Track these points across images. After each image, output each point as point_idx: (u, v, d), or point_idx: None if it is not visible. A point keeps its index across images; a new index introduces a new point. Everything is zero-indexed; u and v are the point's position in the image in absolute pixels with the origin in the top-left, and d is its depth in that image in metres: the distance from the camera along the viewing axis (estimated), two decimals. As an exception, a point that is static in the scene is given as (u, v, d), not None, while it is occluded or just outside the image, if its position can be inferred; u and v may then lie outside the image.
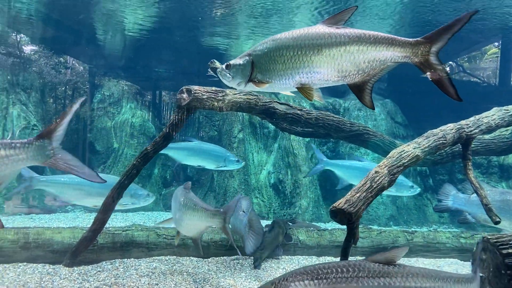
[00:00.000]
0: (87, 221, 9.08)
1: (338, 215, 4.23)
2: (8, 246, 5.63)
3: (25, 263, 5.56)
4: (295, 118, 6.68)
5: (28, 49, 14.32)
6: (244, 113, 11.29)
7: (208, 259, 6.26)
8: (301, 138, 10.74)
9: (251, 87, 3.40)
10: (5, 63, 12.02)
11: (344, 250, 4.25)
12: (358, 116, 11.20)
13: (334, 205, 4.26)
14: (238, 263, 6.15)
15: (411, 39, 3.14)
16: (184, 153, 8.14)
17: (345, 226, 4.17)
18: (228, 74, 3.43)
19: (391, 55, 3.16)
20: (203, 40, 11.67)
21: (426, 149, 5.10)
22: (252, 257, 6.21)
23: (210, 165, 8.30)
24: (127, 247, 6.18)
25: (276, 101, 6.62)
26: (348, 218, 4.20)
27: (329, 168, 8.48)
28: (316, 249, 6.75)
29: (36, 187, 6.75)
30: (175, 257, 6.21)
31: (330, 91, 11.68)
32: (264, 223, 7.02)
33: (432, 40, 3.11)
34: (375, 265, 2.63)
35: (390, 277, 2.60)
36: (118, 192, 5.75)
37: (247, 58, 3.35)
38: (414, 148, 5.00)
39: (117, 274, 5.34)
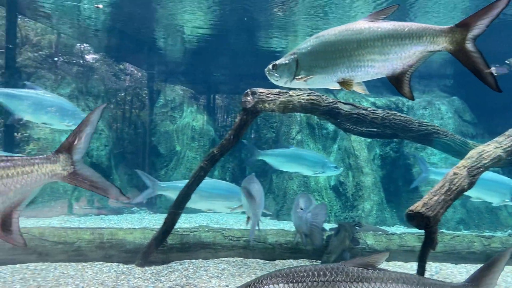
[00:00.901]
0: (153, 222, 9.41)
1: (415, 219, 4.05)
2: (85, 246, 5.91)
3: (101, 262, 5.81)
4: (360, 118, 6.50)
5: (90, 57, 15.13)
6: (302, 114, 11.20)
7: (275, 262, 6.24)
8: (362, 138, 10.48)
9: (296, 84, 3.49)
10: (70, 71, 12.74)
11: (422, 256, 4.07)
12: (423, 115, 10.75)
13: (411, 208, 4.09)
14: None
15: (445, 27, 3.02)
16: (281, 159, 8.01)
17: (416, 230, 3.96)
18: (275, 74, 3.51)
19: (426, 44, 3.08)
20: (259, 43, 11.72)
21: (509, 148, 4.77)
22: (320, 261, 6.11)
23: (307, 172, 8.12)
24: (195, 248, 6.30)
25: (340, 101, 6.49)
26: (426, 223, 4.01)
27: (436, 177, 7.84)
28: (385, 253, 6.52)
29: (158, 193, 6.87)
30: (241, 259, 6.24)
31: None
32: (326, 226, 6.91)
33: (468, 26, 2.91)
34: (354, 269, 2.51)
35: (369, 282, 2.48)
36: (186, 193, 5.89)
37: (291, 56, 3.43)
38: (495, 148, 4.70)
39: (187, 274, 5.45)
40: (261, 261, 6.24)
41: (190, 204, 6.70)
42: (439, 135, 6.78)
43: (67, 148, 2.88)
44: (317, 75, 3.29)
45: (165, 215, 10.43)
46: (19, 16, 11.67)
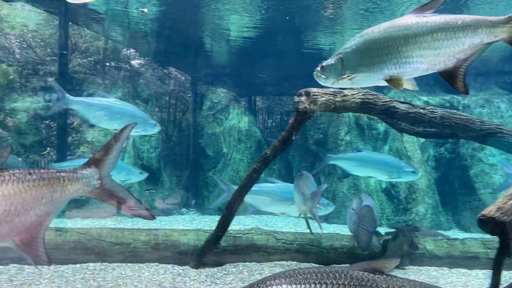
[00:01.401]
0: (203, 223, 9.47)
1: (489, 225, 3.77)
2: (141, 247, 5.99)
3: (156, 264, 5.87)
4: (417, 118, 6.24)
5: (137, 62, 15.53)
6: (350, 114, 10.95)
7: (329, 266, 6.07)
8: (415, 139, 10.10)
9: (342, 84, 3.48)
10: (118, 76, 13.09)
11: (497, 264, 3.80)
12: (481, 114, 10.21)
13: (483, 213, 3.82)
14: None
15: (502, 17, 2.90)
16: (354, 163, 7.73)
17: (480, 236, 3.70)
18: (322, 75, 3.53)
19: (481, 36, 2.95)
20: (305, 42, 11.56)
21: None
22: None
23: (381, 176, 7.85)
24: (248, 250, 6.24)
25: (397, 100, 6.26)
26: (501, 228, 3.73)
27: None
28: (447, 259, 6.21)
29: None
30: (295, 263, 6.13)
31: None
32: (381, 230, 6.68)
33: None
34: (360, 273, 2.40)
35: (374, 287, 2.38)
36: (239, 195, 5.85)
37: (337, 57, 3.43)
38: None
39: (242, 277, 5.40)
40: (316, 265, 6.09)
41: (263, 208, 6.71)
42: (503, 134, 6.40)
43: (95, 163, 2.82)
44: (363, 74, 3.27)
45: (213, 216, 10.59)
46: (69, 24, 12.14)
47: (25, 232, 2.64)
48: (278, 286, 2.40)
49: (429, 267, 6.16)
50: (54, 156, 10.89)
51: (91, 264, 5.72)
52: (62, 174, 2.74)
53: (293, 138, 5.78)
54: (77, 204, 10.09)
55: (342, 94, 5.71)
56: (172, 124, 13.11)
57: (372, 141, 10.83)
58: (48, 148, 11.35)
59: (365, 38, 3.24)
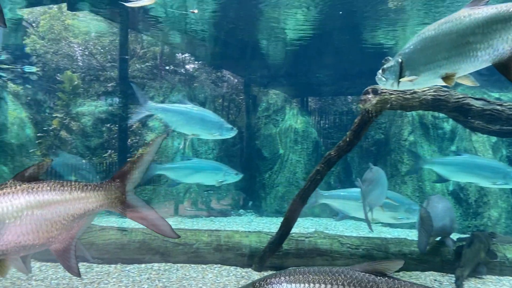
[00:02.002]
0: (261, 225, 9.39)
1: None
2: (204, 248, 5.98)
3: (219, 265, 5.83)
4: (494, 115, 5.76)
5: (193, 66, 15.80)
6: (414, 113, 10.45)
7: (399, 273, 5.75)
8: (485, 138, 9.44)
9: (402, 86, 3.49)
10: (174, 80, 13.34)
11: None
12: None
13: None
14: (435, 280, 5.51)
15: None
16: (453, 168, 7.17)
17: None
18: (382, 77, 3.54)
19: None
20: (365, 40, 11.20)
21: None
22: (453, 275, 5.51)
23: (484, 182, 7.23)
24: (311, 254, 6.05)
25: (471, 97, 5.82)
26: None
27: None
28: (530, 270, 5.69)
29: (321, 202, 6.89)
30: (361, 268, 5.84)
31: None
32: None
33: None
34: (360, 274, 2.37)
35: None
36: (302, 197, 5.68)
37: (396, 58, 3.43)
38: None
39: (307, 282, 5.21)
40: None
41: (352, 213, 6.54)
42: None
43: (120, 178, 2.79)
44: (422, 74, 3.24)
45: (271, 219, 10.48)
46: (128, 30, 12.55)
47: (58, 242, 2.71)
48: (278, 284, 2.42)
49: (510, 277, 5.66)
50: (115, 158, 11.27)
51: (156, 264, 5.78)
52: (89, 188, 2.76)
53: (359, 138, 5.53)
54: (139, 204, 10.35)
55: (411, 91, 5.39)
56: (230, 125, 13.17)
57: (438, 141, 10.25)
58: (110, 150, 11.77)
59: (422, 37, 3.21)
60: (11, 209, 2.58)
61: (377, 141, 11.39)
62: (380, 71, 3.57)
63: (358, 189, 6.30)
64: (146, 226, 2.82)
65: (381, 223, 6.84)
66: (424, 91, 5.51)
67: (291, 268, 2.55)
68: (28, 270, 2.96)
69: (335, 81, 13.30)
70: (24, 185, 2.64)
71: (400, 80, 3.39)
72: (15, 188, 2.62)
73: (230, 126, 7.11)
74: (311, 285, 2.36)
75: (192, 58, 15.39)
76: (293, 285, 2.37)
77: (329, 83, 13.48)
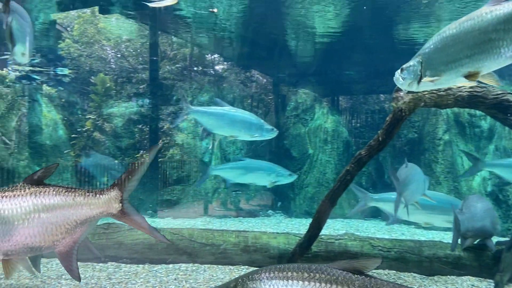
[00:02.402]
0: (290, 226, 9.25)
1: None
2: (231, 249, 5.91)
3: (247, 267, 5.75)
4: (536, 112, 5.43)
5: (222, 67, 15.83)
6: (449, 111, 10.06)
7: (434, 277, 5.51)
8: (528, 137, 8.96)
9: (424, 86, 3.44)
10: (203, 80, 13.37)
11: None
12: None
13: None
14: (472, 285, 5.23)
15: None
16: None
17: None
18: (400, 78, 3.51)
19: None
20: (397, 35, 10.86)
21: None
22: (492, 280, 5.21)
23: None
24: (341, 257, 5.86)
25: (510, 93, 5.50)
26: None
27: None
28: None
29: (370, 205, 6.84)
30: (394, 272, 5.64)
31: None
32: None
33: None
34: (339, 271, 2.48)
35: (349, 285, 2.41)
36: (332, 198, 5.52)
37: (416, 58, 3.39)
38: None
39: (337, 286, 5.05)
40: (417, 275, 5.56)
41: (404, 217, 6.38)
42: None
43: (118, 186, 2.93)
44: (444, 73, 3.19)
45: (300, 220, 10.33)
46: (159, 32, 12.71)
47: (62, 246, 2.83)
48: (257, 281, 2.60)
49: (557, 285, 5.31)
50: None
51: (183, 264, 5.76)
52: (91, 195, 2.90)
53: (391, 137, 5.32)
54: (169, 204, 10.43)
55: (446, 88, 5.14)
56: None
57: (475, 140, 9.81)
58: (141, 151, 11.92)
59: (442, 36, 3.18)
60: (20, 211, 2.71)
61: (410, 140, 11.02)
62: (398, 71, 3.53)
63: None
64: (140, 230, 3.08)
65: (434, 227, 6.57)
66: (459, 87, 5.25)
67: (273, 265, 2.71)
68: (38, 270, 3.16)
69: (366, 79, 12.96)
70: (32, 189, 2.74)
71: (422, 80, 3.33)
72: (24, 191, 2.76)
73: (270, 127, 7.15)
74: (289, 281, 2.53)
75: (220, 59, 15.44)
76: (273, 281, 2.56)
77: (360, 81, 13.16)
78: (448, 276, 5.54)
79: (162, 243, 5.90)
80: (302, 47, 12.04)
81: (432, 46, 3.28)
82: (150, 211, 10.37)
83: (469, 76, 3.11)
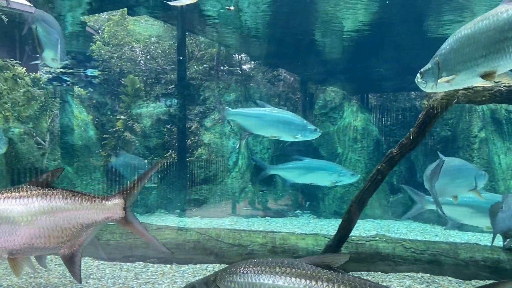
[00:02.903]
0: (319, 227, 9.08)
1: None
2: (258, 249, 5.82)
3: (274, 268, 5.63)
4: None
5: (248, 66, 15.78)
6: (484, 107, 9.64)
7: (471, 282, 5.25)
8: None
9: (442, 87, 3.45)
10: (230, 80, 13.35)
11: None
12: None
13: None
14: (513, 291, 4.93)
15: None
16: None
17: None
18: (422, 81, 3.54)
19: None
20: (430, 29, 10.48)
21: None
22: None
23: None
24: (372, 259, 5.69)
25: (554, 87, 5.17)
26: None
27: None
28: None
29: (427, 208, 6.62)
30: (428, 275, 5.41)
31: None
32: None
33: None
34: (308, 266, 2.64)
35: (316, 280, 2.55)
36: (362, 199, 5.34)
37: (433, 60, 3.41)
38: None
39: (368, 289, 4.88)
40: (453, 279, 5.31)
41: (465, 221, 6.21)
42: None
43: (123, 194, 3.06)
44: (459, 73, 3.21)
45: (329, 220, 10.14)
46: (186, 33, 12.78)
47: (67, 248, 2.93)
48: (234, 274, 2.83)
49: None
50: (175, 158, 11.47)
51: (210, 265, 5.71)
52: (98, 200, 3.01)
53: (424, 135, 5.11)
54: (196, 203, 10.44)
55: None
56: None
57: (514, 137, 9.37)
58: (170, 151, 12.01)
59: (458, 36, 3.19)
60: (26, 212, 2.79)
61: (443, 138, 10.62)
62: (418, 75, 3.55)
63: (470, 194, 5.95)
64: (141, 237, 3.26)
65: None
66: (496, 82, 4.98)
67: (250, 259, 2.97)
68: (43, 266, 3.30)
69: (397, 76, 12.58)
70: (39, 191, 2.87)
71: (438, 81, 3.37)
72: (31, 192, 2.85)
73: (313, 127, 7.08)
74: (262, 275, 2.75)
75: (247, 58, 15.40)
76: (248, 275, 2.79)
77: (391, 77, 12.77)
78: (486, 281, 5.27)
79: (189, 243, 5.90)
80: (330, 43, 11.80)
81: (448, 47, 3.28)
82: (178, 210, 10.42)
83: (485, 76, 3.09)
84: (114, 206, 3.08)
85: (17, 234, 2.74)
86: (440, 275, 5.45)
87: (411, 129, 5.14)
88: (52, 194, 2.87)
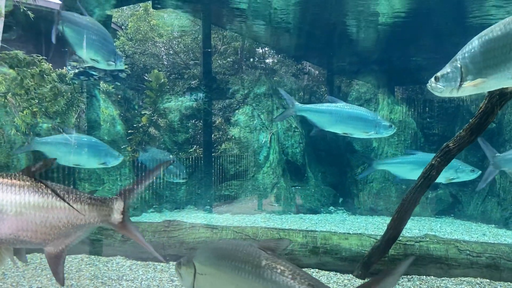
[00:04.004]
0: (356, 224, 8.63)
1: None
2: (298, 250, 5.45)
3: (316, 270, 5.27)
4: None
5: (275, 59, 15.39)
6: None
7: (535, 288, 4.74)
8: None
9: (464, 91, 3.32)
10: (257, 73, 12.97)
11: None
12: None
13: None
14: None
15: None
16: None
17: None
18: (439, 86, 3.41)
19: None
20: (471, 15, 9.85)
21: None
22: None
23: None
24: (422, 261, 5.25)
25: None
26: None
27: None
28: None
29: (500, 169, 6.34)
30: (488, 280, 4.94)
31: None
32: None
33: None
34: (256, 249, 2.59)
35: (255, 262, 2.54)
36: (414, 196, 4.90)
37: (454, 64, 3.30)
38: None
39: (424, 296, 4.46)
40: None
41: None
42: None
43: (122, 196, 2.92)
44: (490, 76, 3.07)
45: (366, 217, 9.67)
46: (211, 26, 12.48)
47: (53, 246, 2.78)
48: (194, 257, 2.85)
49: None
50: (200, 154, 11.22)
51: (248, 266, 5.36)
52: (94, 202, 2.86)
53: (485, 127, 4.63)
54: (226, 199, 10.13)
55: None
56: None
57: None
58: (198, 145, 11.76)
59: (485, 39, 3.05)
60: (15, 203, 2.63)
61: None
62: (432, 79, 3.44)
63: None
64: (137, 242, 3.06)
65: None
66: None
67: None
68: (23, 261, 3.16)
69: (435, 65, 11.94)
70: (32, 183, 2.72)
71: (463, 85, 3.23)
72: (24, 183, 2.70)
73: (387, 123, 6.75)
74: (219, 260, 2.77)
75: (277, 50, 15.04)
76: (207, 257, 2.85)
77: (429, 67, 12.12)
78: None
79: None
80: (364, 33, 11.29)
81: (473, 50, 3.15)
82: (208, 206, 10.14)
83: None
84: (111, 210, 2.90)
85: (3, 223, 2.59)
86: (500, 280, 4.97)
87: (470, 120, 4.67)
88: (46, 189, 2.72)
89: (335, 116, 6.58)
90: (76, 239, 2.92)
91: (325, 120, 6.63)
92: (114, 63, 5.82)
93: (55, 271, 2.84)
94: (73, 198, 2.81)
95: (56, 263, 2.81)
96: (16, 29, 8.92)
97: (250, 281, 2.59)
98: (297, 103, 6.75)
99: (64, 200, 2.77)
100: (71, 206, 2.76)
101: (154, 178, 3.26)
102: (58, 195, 2.77)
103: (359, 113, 6.73)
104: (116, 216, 2.93)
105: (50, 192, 2.73)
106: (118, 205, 2.96)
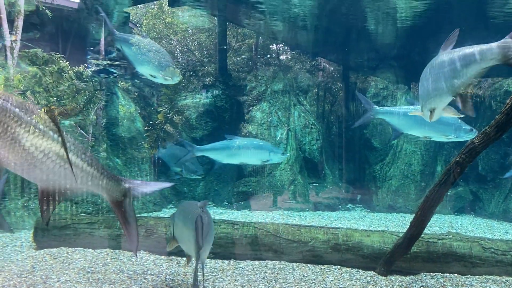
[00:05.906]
0: (375, 222, 8.58)
1: None
2: (320, 246, 5.46)
3: (338, 267, 5.28)
4: None
5: (288, 56, 15.32)
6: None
7: None
8: None
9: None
10: (274, 70, 12.93)
11: None
12: None
13: None
14: None
15: None
16: None
17: None
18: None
19: None
20: (493, 8, 9.67)
21: None
22: None
23: None
24: (445, 259, 5.22)
25: None
26: None
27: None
28: None
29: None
30: (513, 279, 4.88)
31: None
32: None
33: None
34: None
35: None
36: (437, 194, 4.86)
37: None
38: None
39: (448, 293, 4.44)
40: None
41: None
42: None
43: (131, 184, 3.24)
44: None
45: (385, 215, 9.61)
46: (227, 23, 12.48)
47: (45, 185, 2.85)
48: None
49: None
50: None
51: (270, 262, 5.41)
52: (106, 174, 3.11)
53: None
54: (244, 195, 10.16)
55: None
56: (333, 114, 12.52)
57: None
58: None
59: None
60: (33, 137, 2.71)
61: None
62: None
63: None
64: (124, 230, 3.28)
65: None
66: None
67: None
68: (5, 228, 3.33)
69: (455, 61, 11.78)
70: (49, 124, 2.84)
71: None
72: (51, 126, 2.84)
73: (468, 127, 6.73)
74: (179, 215, 4.41)
75: (295, 46, 14.96)
76: (177, 214, 4.51)
77: (449, 63, 11.98)
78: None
79: (246, 238, 5.60)
80: (383, 28, 11.18)
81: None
82: (226, 203, 10.19)
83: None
84: (114, 187, 3.18)
85: (14, 150, 2.64)
86: (526, 279, 4.91)
87: (496, 116, 4.61)
88: (67, 139, 2.86)
89: (415, 119, 6.46)
90: (69, 191, 3.05)
91: (405, 123, 6.61)
92: (171, 78, 6.26)
93: (42, 210, 2.94)
94: (88, 161, 2.99)
95: (46, 202, 2.90)
96: (40, 28, 9.07)
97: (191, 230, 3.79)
98: (375, 106, 6.78)
99: (67, 155, 2.86)
100: (69, 163, 2.85)
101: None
102: (65, 146, 2.86)
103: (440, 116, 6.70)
104: (116, 197, 3.21)
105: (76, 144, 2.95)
106: (124, 188, 3.24)
